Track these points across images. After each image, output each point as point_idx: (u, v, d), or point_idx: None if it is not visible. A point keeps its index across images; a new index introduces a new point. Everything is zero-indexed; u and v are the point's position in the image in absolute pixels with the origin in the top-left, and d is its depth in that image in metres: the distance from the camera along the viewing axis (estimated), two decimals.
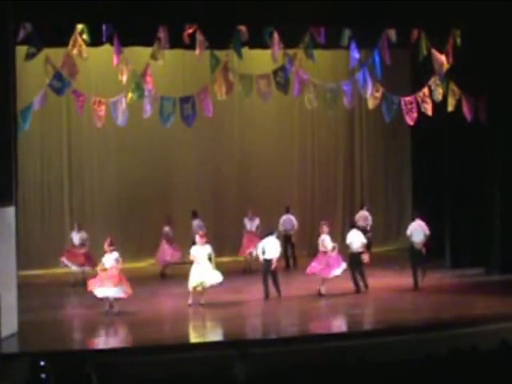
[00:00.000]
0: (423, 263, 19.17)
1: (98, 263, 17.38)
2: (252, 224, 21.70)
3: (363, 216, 22.19)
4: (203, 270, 17.42)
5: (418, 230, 19.08)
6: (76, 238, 20.34)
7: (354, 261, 18.62)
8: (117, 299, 16.89)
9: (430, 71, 19.58)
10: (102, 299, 16.94)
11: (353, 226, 19.47)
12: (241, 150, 24.01)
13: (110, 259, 16.95)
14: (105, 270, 16.85)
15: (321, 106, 20.14)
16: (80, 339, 16.07)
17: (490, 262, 20.86)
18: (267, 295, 18.22)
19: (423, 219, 19.22)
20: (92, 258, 19.94)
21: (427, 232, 19.00)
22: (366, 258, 18.68)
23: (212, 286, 17.53)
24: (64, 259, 20.25)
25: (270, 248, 18.25)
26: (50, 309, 17.78)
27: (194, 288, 17.47)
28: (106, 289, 16.76)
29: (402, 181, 24.93)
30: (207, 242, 17.73)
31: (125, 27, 17.39)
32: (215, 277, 17.48)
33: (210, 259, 17.56)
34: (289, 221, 22.20)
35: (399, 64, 21.13)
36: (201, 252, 17.57)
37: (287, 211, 22.36)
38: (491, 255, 20.86)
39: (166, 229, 21.22)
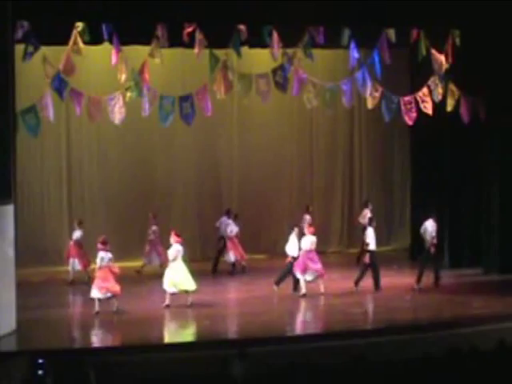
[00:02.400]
0: (433, 262, 19.18)
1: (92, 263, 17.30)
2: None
3: (364, 214, 22.06)
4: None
5: (430, 229, 19.16)
6: (77, 234, 20.24)
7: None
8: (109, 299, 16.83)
9: (430, 71, 19.58)
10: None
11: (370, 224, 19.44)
12: (239, 149, 23.93)
13: (102, 258, 16.94)
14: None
15: (320, 106, 20.13)
16: (79, 338, 16.05)
17: (488, 262, 20.86)
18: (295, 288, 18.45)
19: (435, 220, 19.30)
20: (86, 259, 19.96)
21: (433, 233, 19.10)
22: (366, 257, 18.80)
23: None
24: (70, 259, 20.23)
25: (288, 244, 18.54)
26: (49, 307, 17.70)
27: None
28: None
29: (402, 180, 24.90)
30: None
31: (124, 26, 17.35)
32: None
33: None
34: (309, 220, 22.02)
35: (398, 64, 21.06)
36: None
37: (307, 210, 22.32)
38: (490, 255, 20.86)
39: (153, 228, 21.05)
